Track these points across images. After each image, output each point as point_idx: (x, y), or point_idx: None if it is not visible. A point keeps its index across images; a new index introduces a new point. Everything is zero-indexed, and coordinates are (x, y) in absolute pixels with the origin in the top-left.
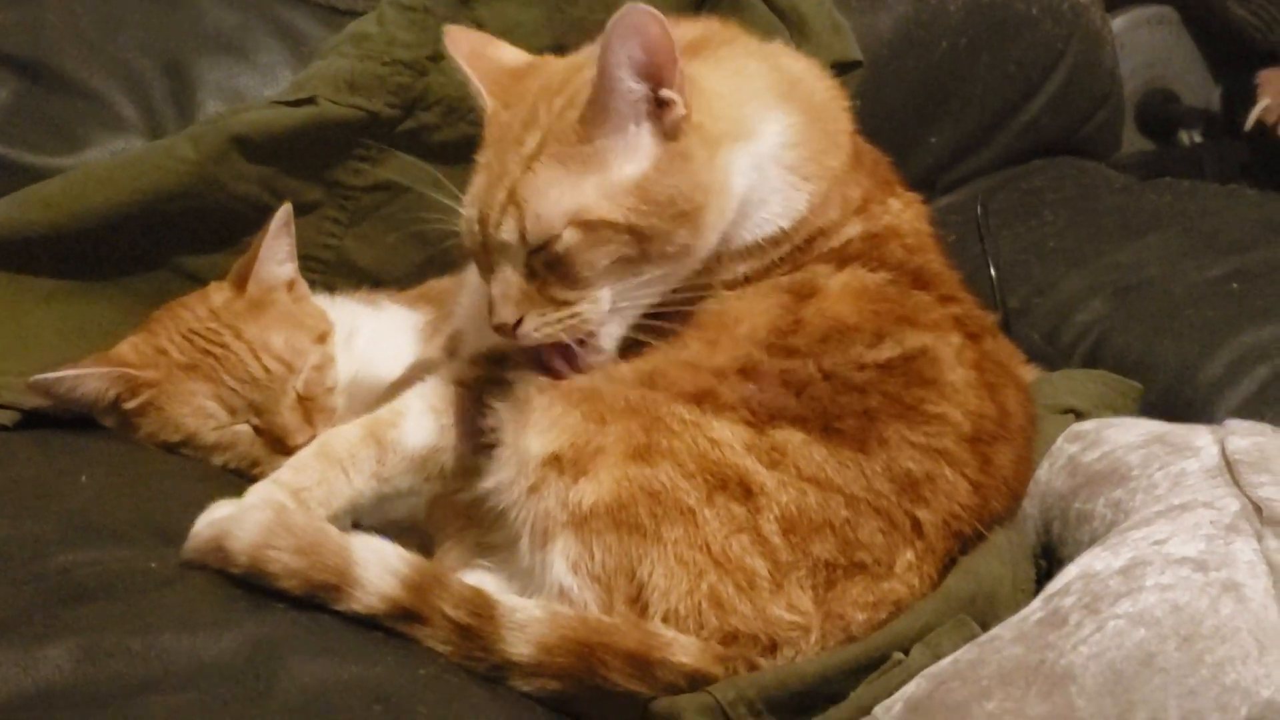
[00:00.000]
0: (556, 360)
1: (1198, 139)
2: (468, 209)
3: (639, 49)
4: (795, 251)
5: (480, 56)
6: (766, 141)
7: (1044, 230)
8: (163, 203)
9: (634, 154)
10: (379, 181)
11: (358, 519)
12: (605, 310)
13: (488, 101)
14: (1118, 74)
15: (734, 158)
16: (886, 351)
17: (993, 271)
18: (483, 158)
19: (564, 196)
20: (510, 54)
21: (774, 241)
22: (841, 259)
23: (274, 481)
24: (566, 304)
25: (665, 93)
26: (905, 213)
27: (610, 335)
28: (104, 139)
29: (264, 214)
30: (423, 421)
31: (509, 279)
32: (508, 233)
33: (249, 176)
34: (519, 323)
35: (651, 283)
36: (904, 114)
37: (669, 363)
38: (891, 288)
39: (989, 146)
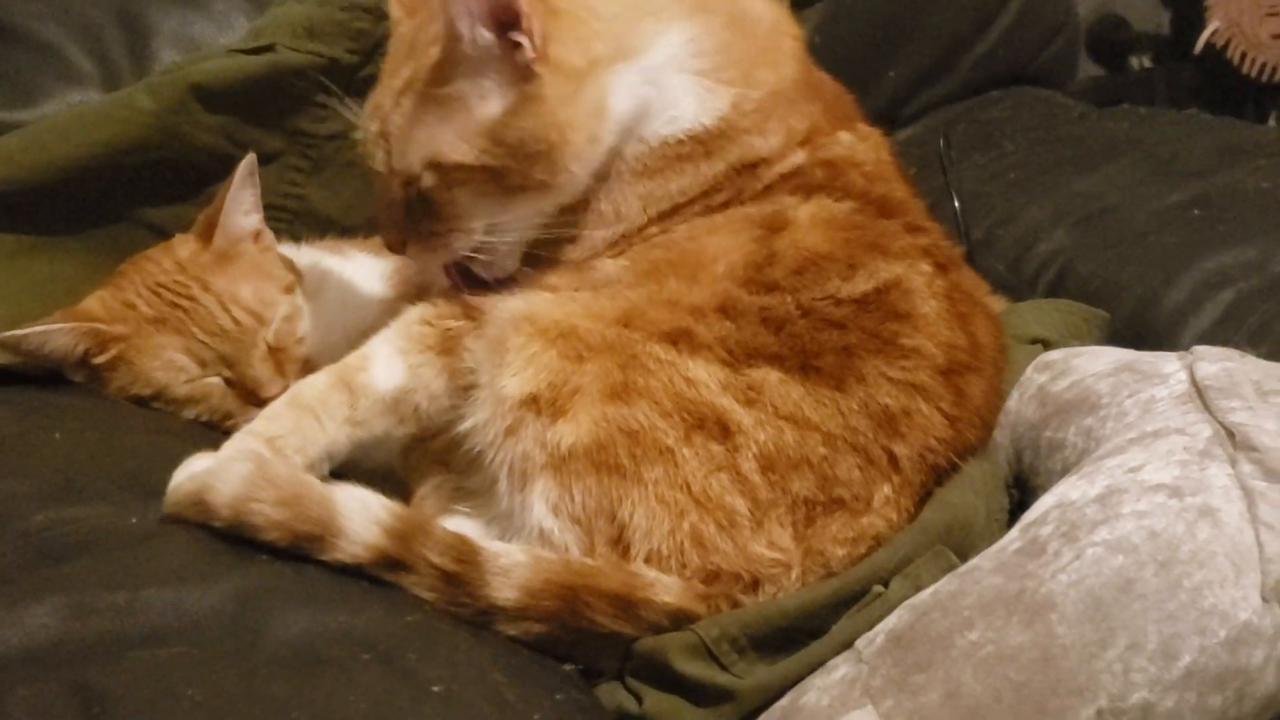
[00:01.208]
0: (454, 277)
1: (1148, 64)
2: (362, 127)
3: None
4: (736, 174)
5: None
6: (661, 54)
7: (1004, 161)
8: (123, 155)
9: (487, 98)
10: (340, 129)
11: (337, 468)
12: (477, 240)
13: (393, 12)
14: (1071, 2)
15: (613, 79)
16: (861, 284)
17: (956, 203)
18: (381, 72)
19: (422, 138)
20: None
21: (698, 141)
22: (806, 189)
23: (248, 433)
24: (437, 234)
25: (514, 35)
26: (860, 145)
27: (503, 257)
28: (60, 91)
29: (226, 164)
30: (391, 363)
31: (390, 205)
32: (379, 164)
33: (209, 126)
34: (404, 245)
35: (522, 214)
36: (862, 49)
37: (647, 301)
38: (858, 215)
39: (947, 78)
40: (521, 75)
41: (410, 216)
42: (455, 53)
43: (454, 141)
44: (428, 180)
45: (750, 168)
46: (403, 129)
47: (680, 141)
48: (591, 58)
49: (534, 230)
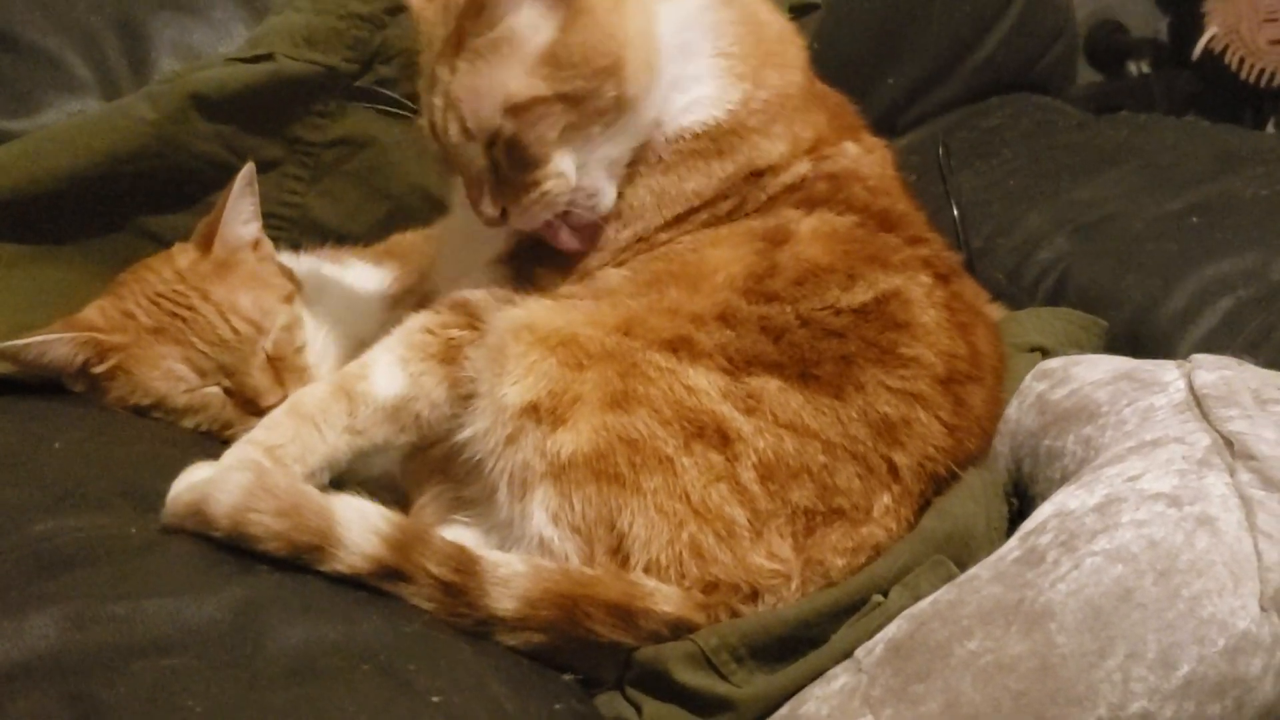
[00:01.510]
0: (564, 235)
1: (1147, 69)
2: (422, 119)
3: None
4: (743, 182)
5: None
6: (692, 4)
7: (1004, 168)
8: (122, 164)
9: (538, 25)
10: (339, 137)
11: (336, 477)
12: (572, 179)
13: None
14: (1070, 8)
15: (656, 7)
16: (860, 295)
17: (955, 212)
18: (423, 60)
19: (490, 88)
20: None
21: (711, 137)
22: (809, 203)
23: (248, 441)
24: (535, 184)
25: None
26: (865, 158)
27: (601, 192)
28: (59, 100)
29: (225, 172)
30: (392, 372)
31: (478, 176)
32: (455, 135)
33: (208, 135)
34: (504, 214)
35: (608, 138)
36: (862, 56)
37: (647, 309)
38: (860, 230)
39: (946, 85)
40: None
41: (501, 180)
42: None
43: (522, 78)
44: (509, 128)
45: (756, 175)
46: (469, 88)
47: (696, 136)
48: None
49: (619, 166)
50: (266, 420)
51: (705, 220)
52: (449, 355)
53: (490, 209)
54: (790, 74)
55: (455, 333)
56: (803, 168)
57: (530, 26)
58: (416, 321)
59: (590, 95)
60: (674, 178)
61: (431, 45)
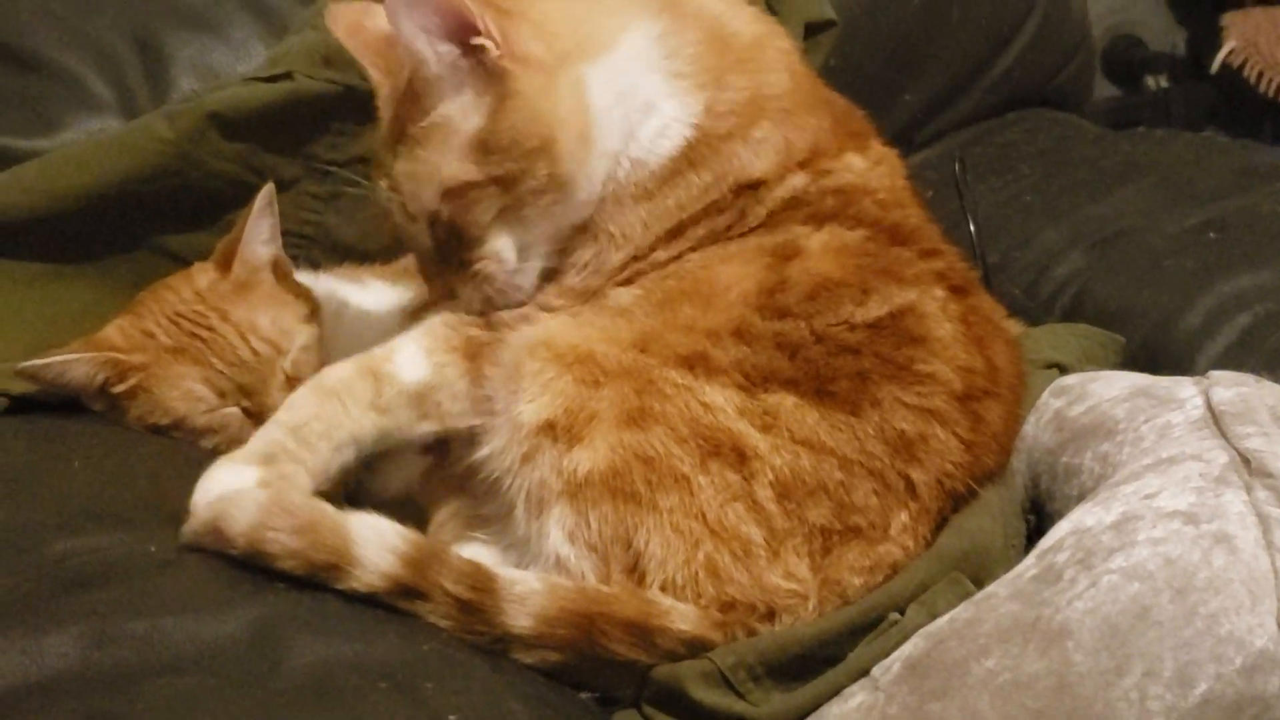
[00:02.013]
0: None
1: (1164, 84)
2: (379, 198)
3: (429, 14)
4: (734, 195)
5: (359, 29)
6: (628, 51)
7: (1021, 184)
8: (141, 183)
9: (469, 111)
10: (357, 155)
11: (355, 497)
12: (510, 260)
13: (372, 76)
14: (1087, 23)
15: (587, 75)
16: (875, 309)
17: (972, 227)
18: (373, 146)
19: (428, 173)
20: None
21: (682, 157)
22: (818, 219)
23: (273, 422)
24: (472, 263)
25: (475, 40)
26: (873, 170)
27: (526, 276)
28: (79, 119)
29: (243, 191)
30: (416, 359)
31: (426, 255)
32: (400, 217)
33: (227, 154)
34: (452, 290)
35: (547, 217)
36: (878, 72)
37: (663, 326)
38: (871, 243)
39: (963, 101)
40: (494, 77)
41: (444, 259)
42: (426, 79)
43: (454, 163)
44: (445, 211)
45: (749, 188)
46: (408, 173)
47: (673, 159)
48: (557, 52)
49: (557, 244)
50: (290, 400)
51: (704, 235)
52: (470, 350)
53: (439, 287)
54: (766, 75)
55: (475, 331)
56: (798, 180)
57: (461, 113)
58: (439, 317)
59: (522, 176)
60: (658, 201)
61: (379, 131)
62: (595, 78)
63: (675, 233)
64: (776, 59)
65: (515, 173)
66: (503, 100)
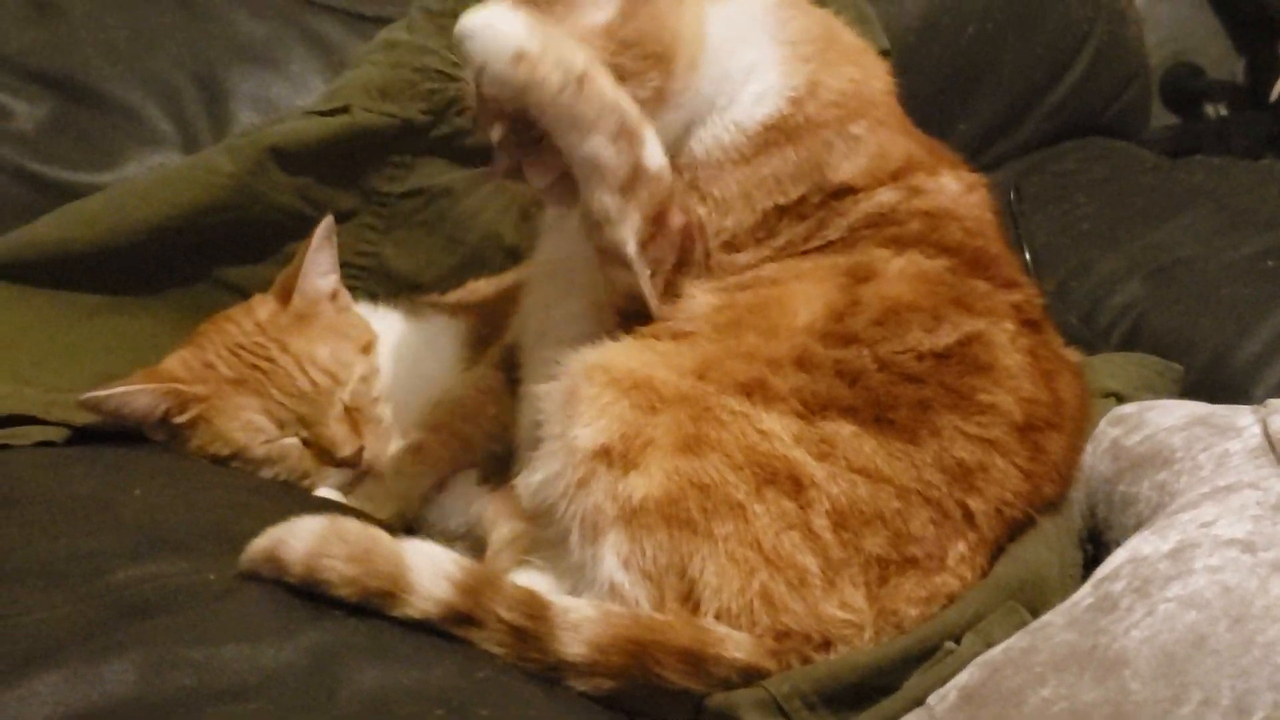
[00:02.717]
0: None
1: (1223, 112)
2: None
3: None
4: (819, 202)
5: None
6: (741, 5)
7: (1077, 212)
8: (202, 216)
9: (601, 5)
10: (414, 187)
11: (414, 527)
12: None
13: None
14: (1144, 51)
15: (706, 10)
16: (944, 338)
17: (1026, 256)
18: None
19: None
20: None
21: (778, 128)
22: (900, 243)
23: None
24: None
25: None
26: (965, 197)
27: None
28: (141, 154)
29: (302, 224)
30: None
31: (501, 125)
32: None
33: (286, 187)
34: (519, 168)
35: None
36: (933, 101)
37: (724, 353)
38: (949, 274)
39: (1019, 130)
40: None
41: (520, 136)
42: None
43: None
44: None
45: (835, 196)
46: None
47: (767, 128)
48: None
49: None
50: None
51: (784, 245)
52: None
53: (507, 164)
54: (869, 78)
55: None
56: (888, 195)
57: (594, 3)
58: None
59: (632, 78)
60: (754, 167)
61: None
62: (713, 16)
63: (766, 227)
64: (878, 67)
65: (628, 70)
66: (636, 4)
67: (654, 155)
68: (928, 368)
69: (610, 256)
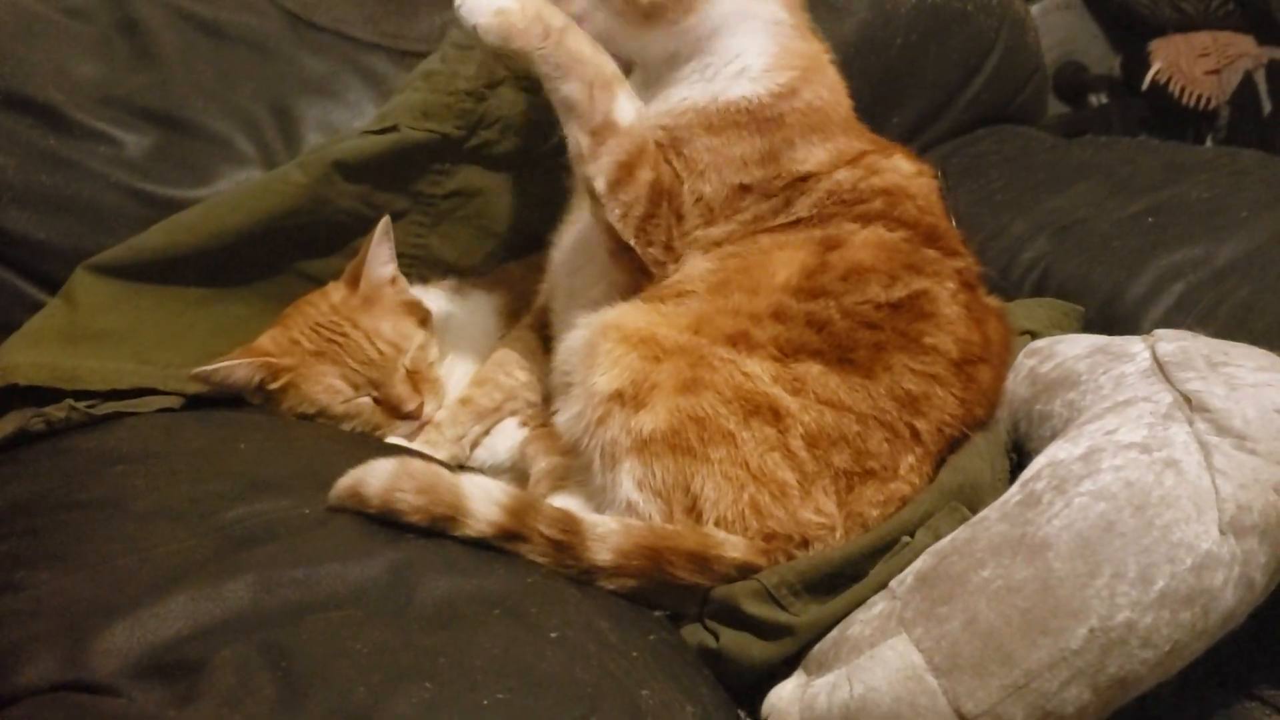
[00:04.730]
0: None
1: (1104, 100)
2: None
3: None
4: (790, 185)
5: None
6: (764, 5)
7: (991, 186)
8: (282, 220)
9: None
10: (453, 189)
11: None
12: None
13: None
14: (1040, 53)
15: None
16: (897, 292)
17: (953, 222)
18: None
19: None
20: None
21: (750, 112)
22: (866, 218)
23: None
24: None
25: None
26: (916, 178)
27: None
28: (229, 172)
29: (364, 223)
30: None
31: None
32: None
33: (349, 194)
34: None
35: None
36: (869, 100)
37: (715, 310)
38: (905, 244)
39: (941, 122)
40: None
41: None
42: None
43: None
44: None
45: (799, 181)
46: None
47: (738, 110)
48: None
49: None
50: None
51: (755, 217)
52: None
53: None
54: (840, 104)
55: None
56: (845, 174)
57: None
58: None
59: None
60: (723, 139)
61: None
62: None
63: (734, 204)
64: (845, 96)
65: None
66: None
67: (625, 110)
68: (883, 316)
69: (589, 191)
